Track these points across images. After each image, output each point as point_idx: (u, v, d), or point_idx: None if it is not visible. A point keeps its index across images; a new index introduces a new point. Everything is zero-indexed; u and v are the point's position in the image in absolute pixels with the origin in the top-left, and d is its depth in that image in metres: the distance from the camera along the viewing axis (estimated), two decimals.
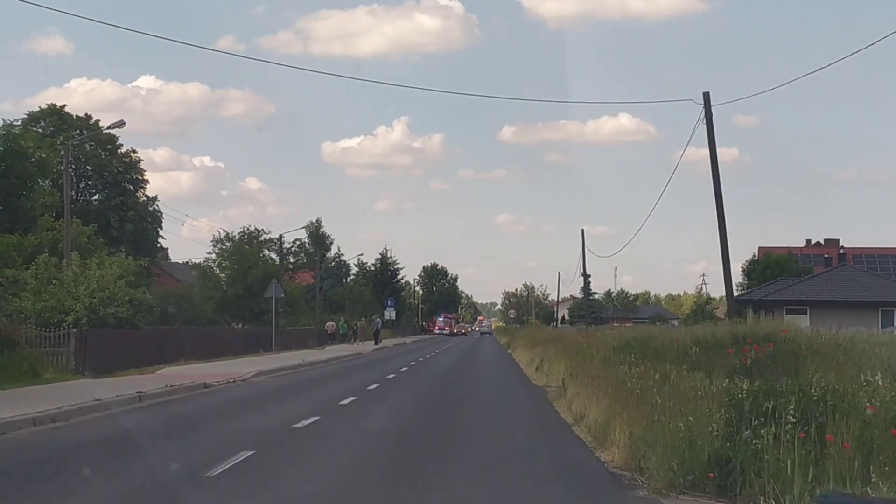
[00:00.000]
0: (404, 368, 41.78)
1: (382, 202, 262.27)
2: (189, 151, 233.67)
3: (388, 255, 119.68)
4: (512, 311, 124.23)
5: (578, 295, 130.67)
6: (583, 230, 73.53)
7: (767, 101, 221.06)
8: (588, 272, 72.41)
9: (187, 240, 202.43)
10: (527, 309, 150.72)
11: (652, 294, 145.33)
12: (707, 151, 32.03)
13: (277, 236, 76.40)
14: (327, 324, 73.36)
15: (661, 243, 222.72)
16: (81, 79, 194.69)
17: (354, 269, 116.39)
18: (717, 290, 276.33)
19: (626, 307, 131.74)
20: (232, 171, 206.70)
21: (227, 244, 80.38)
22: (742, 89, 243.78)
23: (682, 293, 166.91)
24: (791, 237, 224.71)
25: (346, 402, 23.92)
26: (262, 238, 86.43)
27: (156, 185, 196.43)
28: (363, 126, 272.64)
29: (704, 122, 31.92)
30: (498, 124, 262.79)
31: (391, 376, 35.39)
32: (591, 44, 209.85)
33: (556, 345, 40.22)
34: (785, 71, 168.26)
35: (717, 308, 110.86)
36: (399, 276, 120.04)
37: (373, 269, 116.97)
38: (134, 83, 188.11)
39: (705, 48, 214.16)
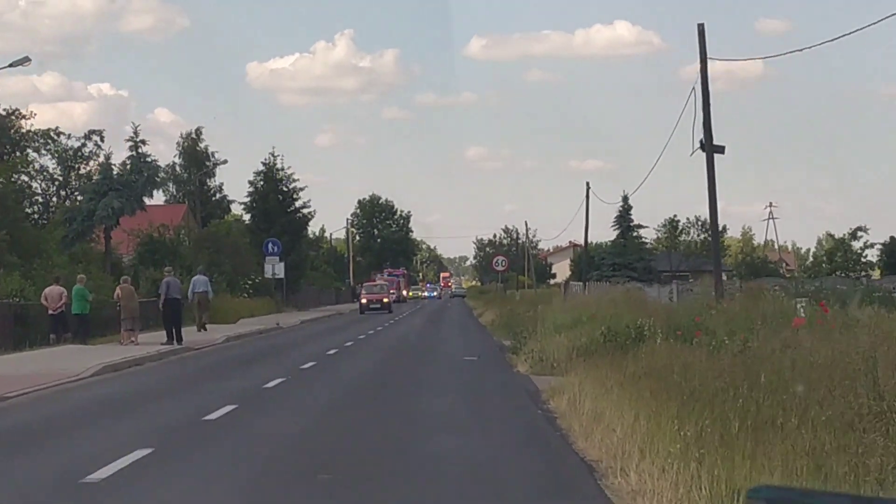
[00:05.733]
0: None
1: (324, 136, 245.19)
2: (83, 77, 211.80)
3: (277, 165, 70.77)
4: (500, 258, 79.19)
5: (587, 240, 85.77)
6: (704, 47, 29.52)
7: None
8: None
9: None
10: (514, 259, 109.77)
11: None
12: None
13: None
14: (48, 290, 30.55)
15: (674, 181, 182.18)
16: None
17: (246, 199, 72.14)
18: (789, 233, 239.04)
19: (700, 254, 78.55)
20: (137, 101, 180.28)
21: None
22: None
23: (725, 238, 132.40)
24: None
25: None
26: (24, 129, 44.59)
27: (42, 118, 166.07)
28: (297, 42, 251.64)
29: None
30: (464, 35, 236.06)
31: None
32: None
33: None
34: None
35: (864, 251, 67.39)
36: (298, 201, 70.75)
37: (252, 191, 69.42)
38: None
39: None
